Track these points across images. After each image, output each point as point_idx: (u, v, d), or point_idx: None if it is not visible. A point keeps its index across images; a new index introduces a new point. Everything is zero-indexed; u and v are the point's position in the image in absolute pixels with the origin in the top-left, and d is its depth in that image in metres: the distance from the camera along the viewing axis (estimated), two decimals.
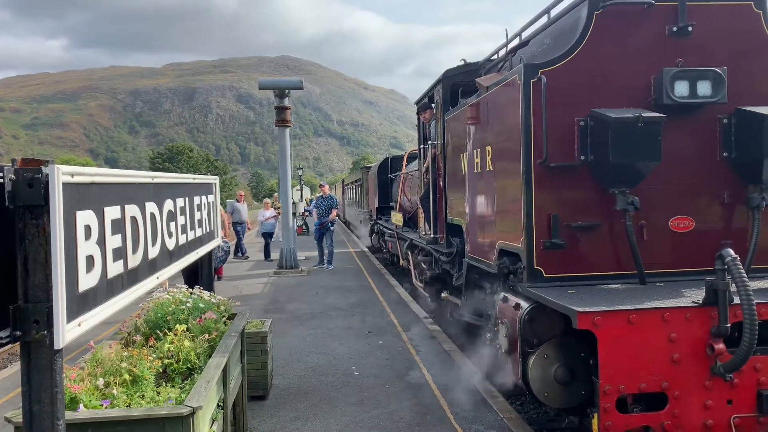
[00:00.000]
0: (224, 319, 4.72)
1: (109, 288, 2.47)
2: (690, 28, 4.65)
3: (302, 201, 26.00)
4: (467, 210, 6.43)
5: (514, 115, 4.79)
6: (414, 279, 10.62)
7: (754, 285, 4.05)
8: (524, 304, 4.58)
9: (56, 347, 2.00)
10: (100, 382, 3.15)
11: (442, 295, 8.00)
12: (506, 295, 5.04)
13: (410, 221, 11.56)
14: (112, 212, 2.53)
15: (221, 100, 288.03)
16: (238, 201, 17.80)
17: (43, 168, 1.98)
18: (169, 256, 3.53)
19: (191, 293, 4.74)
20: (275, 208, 18.01)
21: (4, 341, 2.01)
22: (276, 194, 22.92)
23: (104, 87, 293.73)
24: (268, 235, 17.44)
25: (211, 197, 5.12)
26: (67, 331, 2.03)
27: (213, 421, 3.48)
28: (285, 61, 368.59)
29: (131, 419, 2.82)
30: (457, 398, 5.59)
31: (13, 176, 1.95)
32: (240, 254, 18.00)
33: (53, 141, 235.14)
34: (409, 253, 10.76)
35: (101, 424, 2.79)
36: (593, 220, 4.65)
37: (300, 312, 9.94)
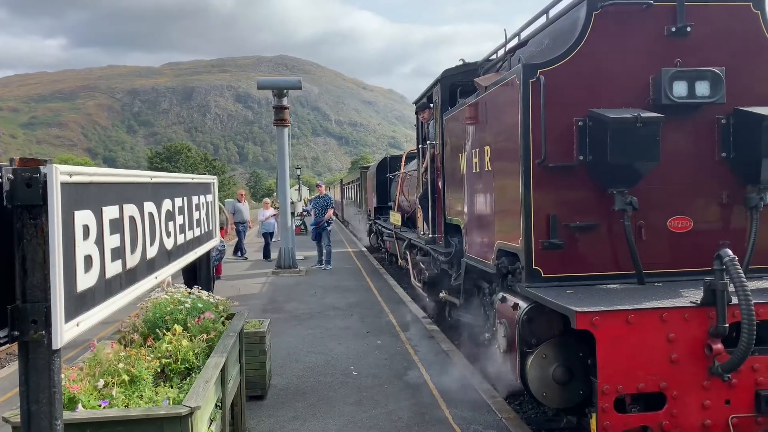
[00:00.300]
0: (222, 318, 4.72)
1: (107, 288, 2.47)
2: (688, 29, 4.66)
3: (300, 201, 25.99)
4: (466, 210, 6.43)
5: (513, 115, 4.79)
6: (412, 279, 10.62)
7: (753, 285, 4.06)
8: (523, 304, 4.58)
9: (54, 347, 1.99)
10: (99, 382, 3.15)
11: (441, 295, 8.01)
12: (505, 295, 5.04)
13: (409, 221, 11.57)
14: (110, 212, 2.52)
15: (219, 100, 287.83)
16: (239, 201, 17.79)
17: (41, 168, 1.97)
18: (167, 256, 3.52)
19: (189, 293, 4.73)
20: (275, 208, 18.01)
21: (2, 341, 2.00)
22: (274, 194, 22.92)
23: (102, 86, 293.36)
24: (268, 235, 17.42)
25: (209, 197, 5.12)
26: (65, 331, 2.03)
27: (211, 421, 3.48)
28: (283, 60, 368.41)
29: (130, 419, 2.81)
30: (456, 398, 5.59)
31: (11, 176, 1.95)
32: (240, 254, 17.98)
33: (51, 140, 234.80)
34: (408, 252, 10.77)
35: (100, 424, 2.79)
36: (592, 220, 4.65)
37: (298, 312, 9.94)
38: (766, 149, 4.44)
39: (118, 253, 2.62)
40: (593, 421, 3.97)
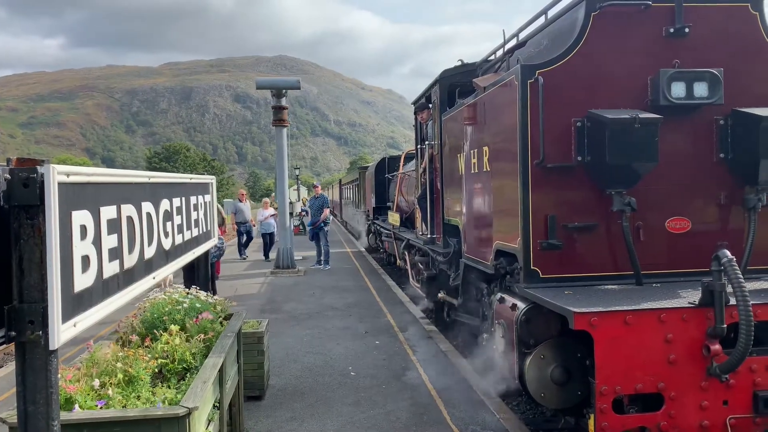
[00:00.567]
0: (221, 319, 4.71)
1: (104, 288, 2.46)
2: (687, 29, 4.66)
3: (299, 201, 25.99)
4: (464, 210, 6.43)
5: (511, 116, 4.79)
6: (411, 279, 10.62)
7: (751, 286, 4.06)
8: (521, 305, 4.58)
9: (51, 348, 1.99)
10: (96, 382, 3.14)
11: (439, 295, 8.00)
12: (503, 295, 5.04)
13: (407, 221, 11.57)
14: (108, 212, 2.52)
15: (218, 100, 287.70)
16: (240, 200, 17.78)
17: (38, 168, 1.97)
18: (165, 256, 3.51)
19: (188, 293, 4.73)
20: (274, 208, 18.00)
21: None
22: (273, 194, 22.93)
23: (101, 86, 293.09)
24: (267, 235, 17.40)
25: (207, 197, 5.11)
26: (62, 332, 2.02)
27: (209, 421, 3.47)
28: (282, 60, 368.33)
29: (127, 420, 2.81)
30: (454, 398, 5.59)
31: (8, 176, 1.94)
32: (241, 254, 17.96)
33: (50, 140, 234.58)
34: (406, 253, 10.77)
35: (97, 424, 2.78)
36: (590, 221, 4.66)
37: (297, 312, 9.93)
38: (764, 150, 4.45)
39: (116, 254, 2.61)
40: (591, 422, 3.97)
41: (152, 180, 3.32)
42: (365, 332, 8.37)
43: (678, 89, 4.53)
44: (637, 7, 4.70)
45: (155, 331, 4.12)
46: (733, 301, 3.73)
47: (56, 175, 2.00)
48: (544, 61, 4.70)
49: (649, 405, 3.98)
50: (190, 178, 4.59)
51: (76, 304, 2.17)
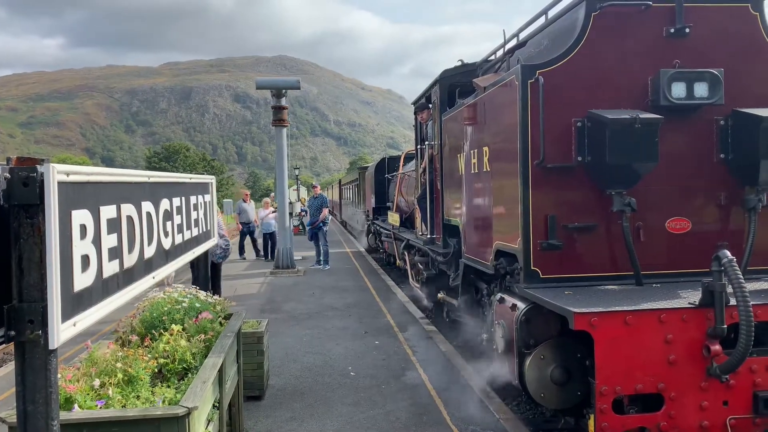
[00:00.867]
0: (220, 319, 4.71)
1: (104, 288, 2.45)
2: (687, 30, 4.66)
3: (298, 201, 25.99)
4: (464, 210, 6.43)
5: (512, 116, 4.79)
6: (411, 279, 10.62)
7: (751, 286, 4.06)
8: (521, 305, 4.58)
9: (51, 347, 1.98)
10: (96, 382, 3.14)
11: (439, 295, 8.00)
12: (503, 295, 5.03)
13: (407, 221, 11.56)
14: (107, 211, 2.51)
15: (218, 100, 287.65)
16: (244, 201, 17.81)
17: (38, 167, 1.96)
18: (165, 256, 3.51)
19: (187, 293, 4.72)
20: (275, 208, 17.99)
21: None
22: (272, 194, 22.92)
23: (101, 86, 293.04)
24: (268, 235, 17.39)
25: (207, 197, 5.10)
26: (61, 331, 2.02)
27: (209, 421, 3.47)
28: (282, 60, 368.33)
29: (126, 420, 2.81)
30: (454, 399, 5.58)
31: (8, 175, 1.94)
32: (241, 254, 17.96)
33: (49, 140, 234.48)
34: (406, 253, 10.76)
35: (96, 424, 2.78)
36: (590, 221, 4.65)
37: (296, 312, 9.93)
38: (764, 151, 4.45)
39: (116, 253, 2.60)
40: (591, 422, 3.97)
41: (152, 180, 3.32)
42: (365, 332, 8.36)
43: (678, 89, 4.53)
44: (638, 7, 4.70)
45: (154, 331, 4.11)
46: (733, 301, 3.73)
47: (56, 174, 2.00)
48: (544, 61, 4.70)
49: (649, 405, 3.98)
50: (190, 178, 4.58)
51: (75, 303, 2.17)
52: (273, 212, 17.45)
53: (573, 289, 4.52)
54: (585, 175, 4.63)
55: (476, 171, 5.87)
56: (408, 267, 10.75)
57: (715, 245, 4.39)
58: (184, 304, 4.45)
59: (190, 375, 3.58)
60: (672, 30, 4.68)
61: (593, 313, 3.82)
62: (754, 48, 4.79)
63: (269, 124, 15.92)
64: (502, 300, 5.00)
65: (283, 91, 14.65)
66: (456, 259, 7.01)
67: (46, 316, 1.96)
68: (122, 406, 3.01)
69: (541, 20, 5.72)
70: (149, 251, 3.14)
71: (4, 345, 2.14)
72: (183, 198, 4.10)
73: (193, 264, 4.50)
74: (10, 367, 7.00)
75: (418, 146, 9.07)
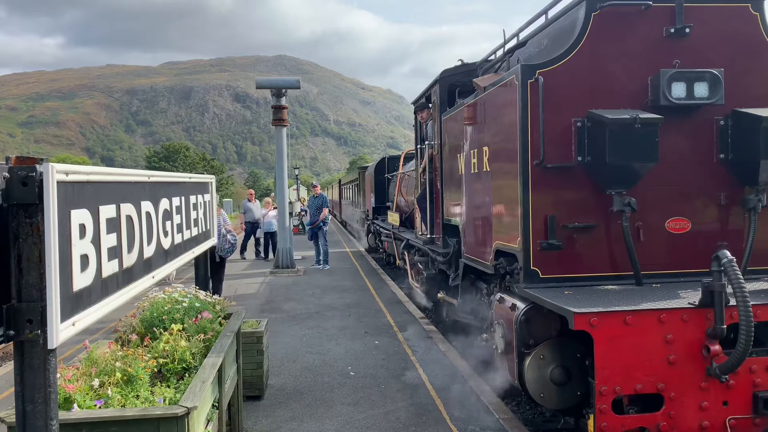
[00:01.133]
0: (220, 318, 4.71)
1: (103, 287, 2.45)
2: (687, 30, 4.66)
3: (298, 200, 25.99)
4: (464, 210, 6.43)
5: (511, 116, 4.79)
6: (410, 279, 10.62)
7: (751, 286, 4.06)
8: (520, 305, 4.57)
9: (50, 347, 1.98)
10: (95, 382, 3.13)
11: (439, 295, 8.00)
12: (502, 295, 5.03)
13: (407, 221, 11.56)
14: (107, 211, 2.51)
15: (218, 99, 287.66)
16: (249, 200, 17.82)
17: (37, 166, 1.96)
18: (164, 256, 3.51)
19: (187, 293, 4.72)
20: (275, 208, 17.98)
21: None
22: (272, 193, 22.94)
23: (101, 85, 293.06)
24: (269, 234, 17.38)
25: (207, 196, 5.10)
26: (60, 331, 2.02)
27: (208, 421, 3.47)
28: (282, 60, 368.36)
29: (125, 419, 2.80)
30: (453, 398, 5.58)
31: (7, 174, 1.93)
32: (241, 254, 17.95)
33: (49, 139, 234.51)
34: (406, 253, 10.76)
35: (95, 424, 2.77)
36: (590, 221, 4.65)
37: (296, 312, 9.92)
38: (764, 151, 4.45)
39: (115, 253, 2.60)
40: (591, 422, 3.97)
41: (152, 179, 3.31)
42: (365, 332, 8.36)
43: (678, 89, 4.53)
44: (638, 7, 4.70)
45: (154, 330, 4.11)
46: (733, 301, 3.73)
47: (55, 173, 2.00)
48: (544, 61, 4.69)
49: (649, 405, 3.98)
50: (190, 178, 4.58)
51: (74, 303, 2.17)
52: (274, 207, 17.44)
53: (573, 289, 4.51)
54: (585, 175, 4.63)
55: (476, 171, 5.87)
56: (408, 267, 10.75)
57: (715, 245, 4.39)
58: (184, 304, 4.44)
59: (189, 375, 3.58)
60: (672, 30, 4.68)
61: (593, 313, 3.82)
62: (754, 48, 4.79)
63: (269, 123, 15.92)
64: (501, 300, 5.00)
65: (283, 90, 14.65)
66: (456, 258, 7.01)
67: (45, 316, 1.96)
68: (121, 406, 3.00)
69: (541, 20, 5.72)
70: (149, 251, 3.13)
71: (3, 344, 2.14)
72: (182, 198, 4.10)
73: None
74: (10, 366, 7.00)
75: (418, 146, 9.06)
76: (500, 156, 5.17)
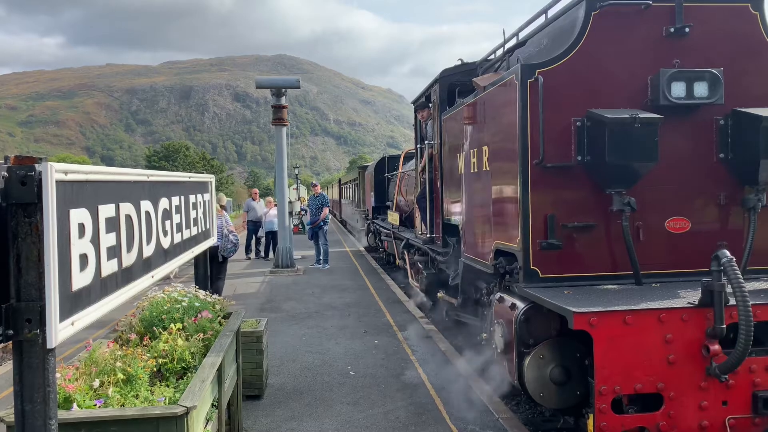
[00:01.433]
0: (219, 318, 4.71)
1: (103, 287, 2.45)
2: (687, 29, 4.65)
3: (298, 200, 26.00)
4: (464, 210, 6.42)
5: (511, 115, 4.78)
6: (410, 279, 10.62)
7: (750, 286, 4.06)
8: (520, 305, 4.57)
9: (49, 346, 1.98)
10: (95, 381, 3.13)
11: (438, 294, 8.00)
12: (502, 295, 5.03)
13: (407, 221, 11.56)
14: (106, 210, 2.51)
15: (218, 99, 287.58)
16: (253, 199, 17.82)
17: (36, 165, 1.95)
18: (164, 255, 3.50)
19: (187, 292, 4.72)
20: (276, 205, 17.97)
21: None
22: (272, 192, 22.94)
23: (100, 85, 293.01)
24: (270, 234, 17.37)
25: (206, 196, 5.10)
26: (59, 330, 2.01)
27: (207, 420, 3.47)
28: (282, 59, 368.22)
29: (125, 419, 2.80)
30: (453, 398, 5.58)
31: (5, 173, 1.93)
32: (246, 253, 17.94)
33: (49, 139, 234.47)
34: (406, 252, 10.76)
35: (94, 423, 2.77)
36: (590, 221, 4.65)
37: (296, 311, 9.92)
38: (764, 150, 4.44)
39: (114, 252, 2.60)
40: (590, 422, 3.97)
41: (151, 178, 3.31)
42: (364, 331, 8.36)
43: (678, 89, 4.53)
44: (638, 6, 4.70)
45: (154, 329, 4.11)
46: (732, 301, 3.73)
47: (54, 173, 1.99)
48: (544, 61, 4.69)
49: (649, 405, 3.98)
50: (189, 177, 4.58)
51: (74, 302, 2.16)
52: (275, 205, 17.42)
53: (572, 288, 4.51)
54: (584, 174, 4.63)
55: (476, 170, 5.87)
56: (407, 266, 10.75)
57: (714, 245, 4.39)
58: (183, 303, 4.44)
59: (189, 374, 3.58)
60: (672, 29, 4.68)
61: (592, 312, 3.82)
62: (754, 47, 4.79)
63: (269, 123, 15.92)
64: (501, 299, 5.00)
65: (283, 90, 14.65)
66: (455, 258, 7.00)
67: (44, 315, 1.96)
68: (121, 406, 3.00)
69: (541, 19, 5.72)
70: (148, 250, 3.13)
71: (2, 344, 2.14)
72: (182, 197, 4.10)
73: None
74: (9, 365, 6.99)
75: (418, 145, 9.06)
76: (500, 155, 5.17)
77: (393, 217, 12.35)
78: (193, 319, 4.32)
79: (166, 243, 3.54)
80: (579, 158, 4.59)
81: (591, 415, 3.95)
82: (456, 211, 6.80)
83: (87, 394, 3.03)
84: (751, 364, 3.89)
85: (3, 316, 1.94)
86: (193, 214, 4.49)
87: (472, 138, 6.02)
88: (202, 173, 5.20)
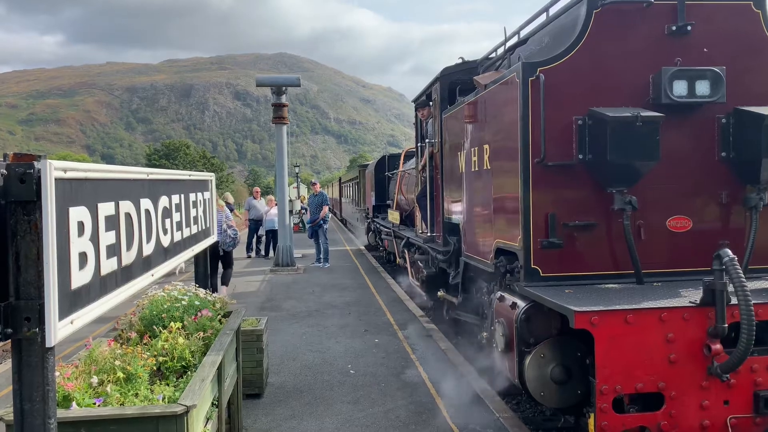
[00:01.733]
0: (219, 316, 4.70)
1: (102, 285, 2.44)
2: (689, 28, 4.64)
3: (298, 198, 26.00)
4: (464, 208, 6.41)
5: (512, 114, 4.77)
6: (410, 277, 10.61)
7: (752, 285, 4.05)
8: (521, 303, 4.56)
9: (48, 345, 1.97)
10: (94, 380, 3.12)
11: (439, 293, 7.99)
12: (503, 294, 5.02)
13: (407, 219, 11.55)
14: (106, 208, 2.50)
15: (218, 97, 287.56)
16: (254, 198, 17.81)
17: (35, 163, 1.94)
18: (164, 253, 3.49)
19: (187, 291, 4.71)
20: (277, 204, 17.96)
21: None
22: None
23: (101, 83, 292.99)
24: (270, 232, 17.37)
25: (207, 194, 5.09)
26: (59, 329, 2.00)
27: (207, 419, 3.46)
28: (282, 58, 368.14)
29: (125, 418, 2.79)
30: (453, 397, 5.57)
31: (4, 171, 1.92)
32: (247, 252, 17.93)
33: (49, 137, 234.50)
34: (406, 251, 10.75)
35: (94, 422, 2.76)
36: (591, 220, 4.64)
37: (296, 310, 9.92)
38: (766, 149, 4.43)
39: (114, 250, 2.59)
40: (591, 421, 3.96)
41: (151, 176, 3.30)
42: (365, 330, 8.35)
43: (680, 87, 4.51)
44: (639, 4, 4.68)
45: (154, 327, 4.10)
46: (734, 300, 3.71)
47: (53, 170, 1.98)
48: (545, 59, 4.68)
49: (650, 404, 3.97)
50: (189, 175, 4.57)
51: (73, 301, 2.16)
52: (275, 204, 17.41)
53: (573, 287, 4.50)
54: (586, 173, 4.62)
55: (477, 169, 5.85)
56: (408, 265, 10.74)
57: (716, 244, 4.38)
58: (183, 302, 4.43)
59: (189, 373, 3.57)
60: (674, 28, 4.66)
61: (594, 311, 3.81)
62: (756, 46, 4.77)
63: (269, 121, 15.91)
64: (502, 298, 4.99)
65: (284, 88, 14.63)
66: (456, 257, 6.99)
67: (43, 314, 1.95)
68: (120, 404, 2.99)
69: (543, 18, 5.70)
70: (148, 248, 3.12)
71: (1, 342, 2.13)
72: (182, 195, 4.09)
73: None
74: (8, 364, 6.99)
75: (419, 144, 9.05)
76: (501, 154, 5.15)
77: (393, 216, 12.34)
78: (193, 317, 4.31)
79: (166, 241, 3.53)
80: (580, 157, 4.58)
81: (592, 415, 3.94)
82: (456, 209, 6.78)
83: (86, 392, 3.02)
84: (752, 363, 3.88)
85: (2, 315, 1.93)
86: (193, 212, 4.48)
87: (473, 136, 6.00)
88: (203, 172, 5.19)
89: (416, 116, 9.28)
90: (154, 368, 3.54)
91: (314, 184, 16.88)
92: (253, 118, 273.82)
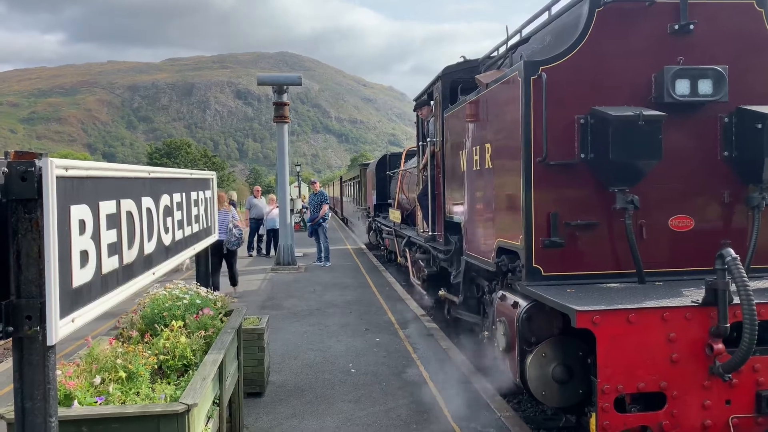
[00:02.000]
0: (221, 315, 4.69)
1: (103, 283, 2.44)
2: (691, 27, 4.63)
3: (299, 197, 26.00)
4: (466, 208, 6.41)
5: (514, 113, 4.76)
6: (412, 276, 10.60)
7: (754, 285, 4.04)
8: (522, 303, 4.56)
9: (49, 343, 1.97)
10: (97, 379, 3.12)
11: (440, 292, 7.98)
12: (504, 293, 5.02)
13: (408, 218, 11.54)
14: (107, 207, 2.49)
15: (220, 96, 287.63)
16: (255, 197, 17.82)
17: (36, 161, 1.94)
18: (165, 252, 3.49)
19: (188, 289, 4.71)
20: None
21: None
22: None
23: (102, 82, 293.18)
24: (272, 231, 17.37)
25: (208, 193, 5.09)
26: (60, 327, 2.00)
27: (209, 418, 3.46)
28: (284, 57, 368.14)
29: (126, 416, 2.79)
30: (455, 396, 5.57)
31: (5, 169, 1.92)
32: (249, 251, 17.94)
33: (51, 135, 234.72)
34: (407, 250, 10.74)
35: (95, 421, 2.76)
36: (593, 219, 4.63)
37: (297, 309, 9.91)
38: None
39: (115, 249, 2.58)
40: (593, 421, 3.96)
41: (152, 175, 3.30)
42: (366, 329, 8.35)
43: (682, 86, 4.50)
44: (642, 3, 4.67)
45: (155, 326, 4.09)
46: (736, 300, 3.70)
47: (54, 168, 1.98)
48: (547, 58, 4.67)
49: (651, 404, 3.96)
50: (191, 174, 4.57)
51: (74, 299, 2.15)
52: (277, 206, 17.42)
53: (575, 286, 4.49)
54: (588, 172, 4.61)
55: (478, 168, 5.85)
56: (409, 264, 10.73)
57: (718, 243, 4.36)
58: (184, 301, 4.43)
59: (190, 371, 3.57)
60: (676, 26, 4.65)
61: (595, 311, 3.80)
62: (758, 45, 4.76)
63: (271, 120, 15.90)
64: (503, 297, 4.98)
65: (285, 87, 14.62)
66: (457, 256, 6.99)
67: (45, 312, 1.95)
68: (122, 403, 2.99)
69: (544, 16, 5.69)
70: (149, 247, 3.12)
71: (2, 340, 2.12)
72: (183, 194, 4.09)
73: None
74: (10, 363, 6.99)
75: (420, 143, 9.04)
76: (503, 153, 5.15)
77: (394, 215, 12.33)
78: (194, 316, 4.30)
79: (167, 240, 3.53)
80: (582, 156, 4.57)
81: (593, 414, 3.94)
82: (458, 209, 6.78)
83: (88, 391, 3.02)
84: (754, 363, 3.87)
85: (3, 313, 1.93)
86: (194, 211, 4.47)
87: (474, 135, 5.99)
88: (204, 170, 5.19)
89: (417, 116, 9.27)
90: (156, 367, 3.54)
91: (314, 183, 16.89)
92: (254, 116, 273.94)
